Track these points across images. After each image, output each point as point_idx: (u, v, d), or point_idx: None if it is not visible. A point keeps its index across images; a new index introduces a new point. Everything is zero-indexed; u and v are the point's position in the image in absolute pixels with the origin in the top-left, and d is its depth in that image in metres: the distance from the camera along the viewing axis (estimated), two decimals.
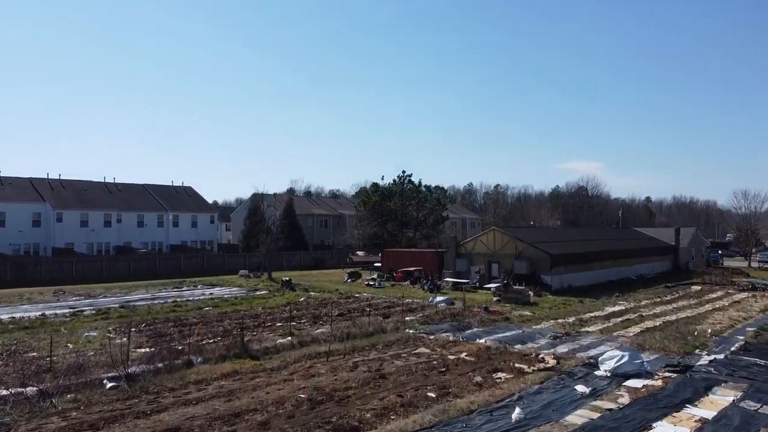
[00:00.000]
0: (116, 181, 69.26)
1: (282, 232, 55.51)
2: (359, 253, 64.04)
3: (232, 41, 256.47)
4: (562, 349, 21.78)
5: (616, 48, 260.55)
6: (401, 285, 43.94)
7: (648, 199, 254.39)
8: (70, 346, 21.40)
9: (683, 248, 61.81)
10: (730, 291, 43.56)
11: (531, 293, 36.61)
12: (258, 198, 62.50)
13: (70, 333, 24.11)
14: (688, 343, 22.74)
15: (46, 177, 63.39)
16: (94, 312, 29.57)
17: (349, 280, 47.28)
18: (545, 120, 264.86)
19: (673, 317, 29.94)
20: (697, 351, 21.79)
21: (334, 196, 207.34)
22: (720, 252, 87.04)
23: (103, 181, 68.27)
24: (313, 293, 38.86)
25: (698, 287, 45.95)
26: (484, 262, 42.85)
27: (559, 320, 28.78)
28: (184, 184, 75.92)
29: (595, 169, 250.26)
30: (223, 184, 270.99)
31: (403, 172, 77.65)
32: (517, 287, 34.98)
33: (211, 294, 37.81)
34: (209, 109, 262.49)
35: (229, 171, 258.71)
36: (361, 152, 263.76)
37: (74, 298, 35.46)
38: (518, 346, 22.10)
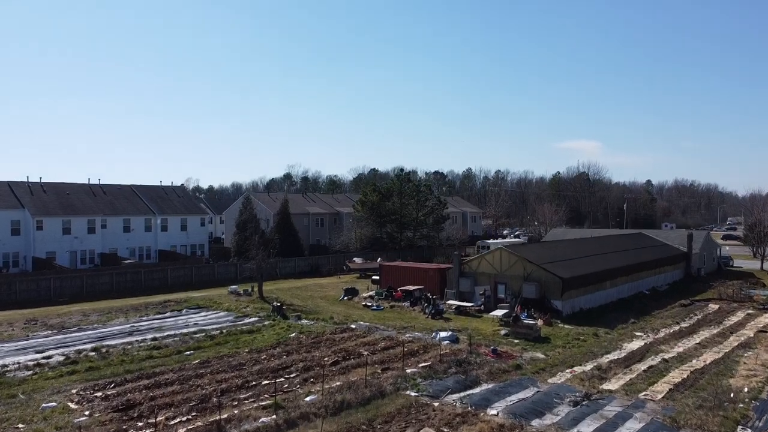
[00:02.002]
0: (101, 183, 66.10)
1: (275, 245, 52.45)
2: (356, 259, 61.17)
3: (227, 21, 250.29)
4: (585, 428, 19.05)
5: (612, 22, 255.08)
6: (401, 306, 41.16)
7: (649, 182, 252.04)
8: (21, 427, 18.59)
9: (695, 254, 59.18)
10: (750, 312, 40.96)
11: (541, 323, 33.94)
12: (249, 210, 59.24)
13: (27, 399, 21.31)
14: (727, 415, 20.05)
15: (26, 180, 60.13)
16: (62, 359, 26.76)
17: (346, 298, 44.49)
18: (543, 99, 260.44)
19: (700, 363, 27.27)
20: (739, 429, 19.16)
21: (332, 182, 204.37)
22: (728, 248, 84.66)
23: (87, 182, 65.09)
24: (305, 321, 36.07)
25: (716, 305, 43.34)
26: (490, 282, 40.02)
27: (576, 368, 26.08)
28: (175, 184, 72.82)
29: (594, 148, 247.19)
30: (219, 169, 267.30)
31: (401, 170, 74.54)
32: (526, 321, 32.21)
33: (196, 324, 34.97)
34: (204, 92, 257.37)
35: (225, 155, 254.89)
36: (359, 137, 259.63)
37: (45, 333, 32.59)
38: (536, 423, 19.36)
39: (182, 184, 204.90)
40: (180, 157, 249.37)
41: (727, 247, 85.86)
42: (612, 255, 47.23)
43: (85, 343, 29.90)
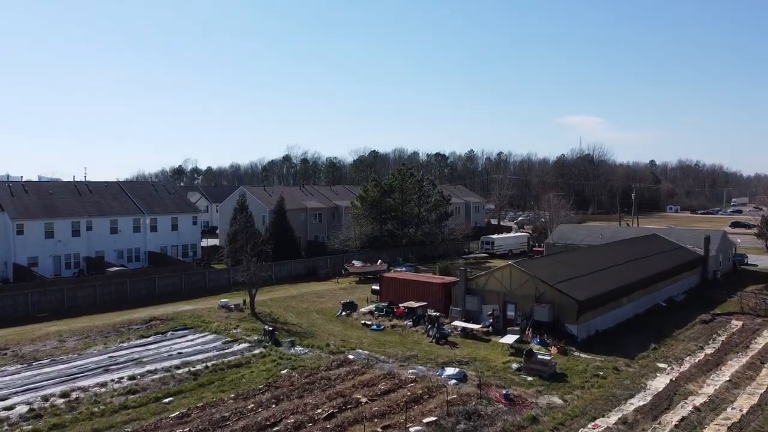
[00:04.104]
0: (87, 180, 63.00)
1: (268, 255, 49.45)
2: (356, 263, 58.23)
3: (227, 1, 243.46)
4: None
5: None
6: (403, 325, 38.37)
7: (652, 162, 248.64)
8: None
9: (712, 256, 56.34)
10: None
11: (555, 351, 31.28)
12: (242, 218, 56.06)
13: None
14: None
15: (6, 180, 57.04)
16: (25, 410, 24.02)
17: (344, 314, 41.73)
18: (543, 73, 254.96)
19: (737, 413, 24.48)
20: None
21: (332, 164, 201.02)
22: (739, 240, 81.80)
23: (72, 180, 62.01)
24: (299, 349, 33.31)
25: (739, 322, 40.58)
26: (498, 301, 37.18)
27: (599, 422, 23.38)
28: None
29: (596, 124, 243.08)
30: (218, 150, 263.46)
31: (404, 164, 71.15)
32: (540, 357, 29.36)
33: (180, 353, 32.17)
34: (203, 73, 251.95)
35: (224, 136, 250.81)
36: (360, 119, 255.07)
37: (14, 368, 29.77)
38: None
39: (180, 166, 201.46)
40: (178, 139, 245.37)
41: (739, 239, 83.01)
42: (627, 265, 44.26)
43: (55, 384, 27.17)
